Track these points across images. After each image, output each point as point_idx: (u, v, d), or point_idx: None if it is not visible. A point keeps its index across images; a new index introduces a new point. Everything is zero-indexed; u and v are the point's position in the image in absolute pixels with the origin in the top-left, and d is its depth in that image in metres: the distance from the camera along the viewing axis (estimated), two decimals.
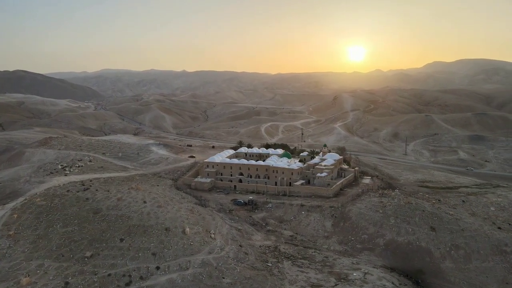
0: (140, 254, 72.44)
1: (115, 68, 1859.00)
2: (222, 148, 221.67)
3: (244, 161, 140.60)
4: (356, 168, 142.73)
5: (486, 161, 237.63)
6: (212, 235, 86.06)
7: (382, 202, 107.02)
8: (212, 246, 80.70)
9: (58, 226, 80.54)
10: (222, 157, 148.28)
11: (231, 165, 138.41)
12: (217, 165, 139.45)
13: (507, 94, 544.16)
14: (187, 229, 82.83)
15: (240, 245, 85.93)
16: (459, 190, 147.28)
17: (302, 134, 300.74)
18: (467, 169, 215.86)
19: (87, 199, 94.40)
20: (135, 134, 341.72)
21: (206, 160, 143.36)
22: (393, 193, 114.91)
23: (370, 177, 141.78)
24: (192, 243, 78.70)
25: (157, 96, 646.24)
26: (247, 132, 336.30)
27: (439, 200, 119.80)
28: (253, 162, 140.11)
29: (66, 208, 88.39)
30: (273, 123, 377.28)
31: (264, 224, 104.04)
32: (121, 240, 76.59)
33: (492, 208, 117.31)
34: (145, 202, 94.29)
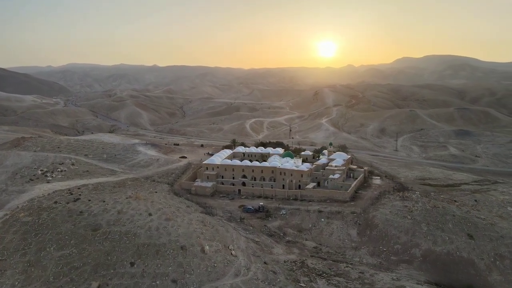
0: (158, 282, 60.51)
1: (82, 62, 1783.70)
2: (211, 147, 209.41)
3: (247, 163, 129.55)
4: (366, 168, 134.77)
5: (476, 156, 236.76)
6: (233, 252, 75.04)
7: (406, 206, 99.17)
8: (236, 266, 69.70)
9: (52, 248, 67.19)
10: (221, 157, 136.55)
11: (233, 167, 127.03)
12: (218, 167, 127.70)
13: (479, 89, 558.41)
14: (206, 247, 71.38)
15: (265, 262, 75.41)
16: (461, 188, 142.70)
17: (290, 130, 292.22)
18: None
19: (81, 212, 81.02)
20: (110, 132, 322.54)
21: (205, 162, 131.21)
22: (414, 196, 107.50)
23: (379, 177, 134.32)
24: (215, 264, 67.38)
25: (131, 92, 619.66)
26: (231, 128, 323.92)
27: (454, 200, 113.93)
28: (257, 163, 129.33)
29: (58, 225, 74.89)
30: (257, 119, 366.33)
31: (281, 234, 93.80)
32: (132, 264, 64.27)
33: (510, 208, 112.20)
34: (150, 214, 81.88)
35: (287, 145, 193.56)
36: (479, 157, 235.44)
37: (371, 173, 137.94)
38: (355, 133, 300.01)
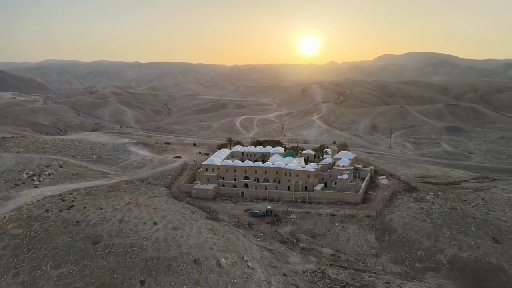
0: None
1: (60, 59, 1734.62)
2: (204, 145, 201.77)
3: (249, 163, 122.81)
4: (372, 167, 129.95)
5: (470, 152, 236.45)
6: (249, 264, 68.35)
7: (423, 208, 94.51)
8: (256, 280, 63.11)
9: (48, 266, 58.97)
10: (220, 158, 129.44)
11: (235, 168, 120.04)
12: (218, 168, 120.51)
13: (462, 85, 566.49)
14: (223, 260, 64.43)
15: (284, 274, 69.08)
16: (462, 186, 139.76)
17: (282, 128, 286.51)
18: None
19: (77, 222, 72.85)
20: (94, 130, 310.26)
21: (204, 163, 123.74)
22: (428, 197, 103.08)
23: (384, 177, 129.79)
24: (234, 280, 60.58)
25: (113, 88, 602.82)
26: (221, 126, 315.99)
27: (464, 200, 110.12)
28: (260, 164, 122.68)
29: (53, 238, 66.55)
30: (246, 116, 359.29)
31: (294, 241, 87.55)
32: (142, 283, 56.84)
33: None
34: (155, 223, 74.33)
35: (282, 143, 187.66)
36: (472, 153, 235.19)
37: (375, 172, 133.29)
38: (347, 130, 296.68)
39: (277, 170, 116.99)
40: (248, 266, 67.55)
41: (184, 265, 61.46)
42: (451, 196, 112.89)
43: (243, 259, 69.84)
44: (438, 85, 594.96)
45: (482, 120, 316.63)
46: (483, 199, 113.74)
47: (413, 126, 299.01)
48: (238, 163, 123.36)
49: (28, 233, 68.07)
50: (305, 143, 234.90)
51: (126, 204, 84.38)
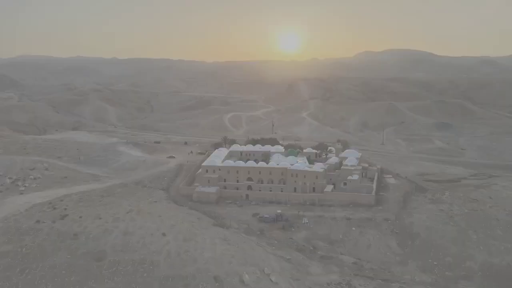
0: None
1: (34, 54, 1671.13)
2: (195, 144, 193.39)
3: (253, 164, 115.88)
4: (379, 167, 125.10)
5: (462, 149, 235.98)
6: (272, 278, 61.70)
7: (442, 210, 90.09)
8: None
9: None
10: (219, 158, 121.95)
11: (237, 169, 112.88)
12: (220, 170, 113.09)
13: (443, 82, 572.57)
14: (246, 276, 57.56)
15: None
16: (462, 183, 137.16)
17: (273, 125, 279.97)
18: None
19: (75, 235, 64.66)
20: (74, 129, 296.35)
21: (204, 164, 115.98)
22: (444, 197, 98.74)
23: (391, 176, 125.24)
24: None
25: (93, 85, 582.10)
26: (209, 124, 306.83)
27: (475, 199, 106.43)
28: (264, 164, 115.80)
29: (49, 255, 58.40)
30: (234, 113, 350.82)
31: (312, 248, 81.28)
32: None
33: None
34: (164, 234, 66.79)
35: (279, 141, 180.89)
36: (464, 150, 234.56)
37: (381, 171, 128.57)
38: (337, 127, 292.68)
39: (283, 171, 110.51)
40: (271, 280, 60.94)
41: (204, 284, 54.40)
42: (461, 195, 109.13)
43: (264, 272, 63.14)
44: (421, 81, 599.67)
45: (469, 116, 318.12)
46: (490, 198, 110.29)
47: (402, 122, 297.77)
48: (241, 163, 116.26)
49: (19, 249, 59.64)
50: (297, 140, 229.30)
51: (127, 212, 76.39)
